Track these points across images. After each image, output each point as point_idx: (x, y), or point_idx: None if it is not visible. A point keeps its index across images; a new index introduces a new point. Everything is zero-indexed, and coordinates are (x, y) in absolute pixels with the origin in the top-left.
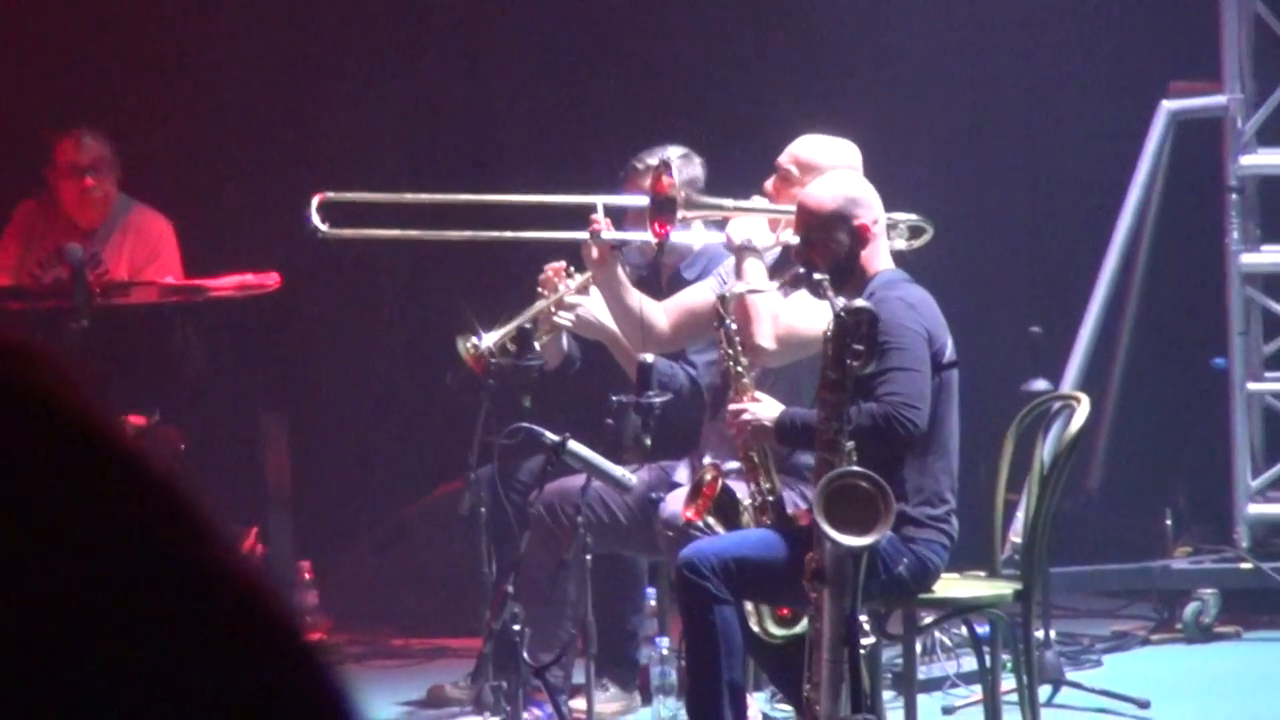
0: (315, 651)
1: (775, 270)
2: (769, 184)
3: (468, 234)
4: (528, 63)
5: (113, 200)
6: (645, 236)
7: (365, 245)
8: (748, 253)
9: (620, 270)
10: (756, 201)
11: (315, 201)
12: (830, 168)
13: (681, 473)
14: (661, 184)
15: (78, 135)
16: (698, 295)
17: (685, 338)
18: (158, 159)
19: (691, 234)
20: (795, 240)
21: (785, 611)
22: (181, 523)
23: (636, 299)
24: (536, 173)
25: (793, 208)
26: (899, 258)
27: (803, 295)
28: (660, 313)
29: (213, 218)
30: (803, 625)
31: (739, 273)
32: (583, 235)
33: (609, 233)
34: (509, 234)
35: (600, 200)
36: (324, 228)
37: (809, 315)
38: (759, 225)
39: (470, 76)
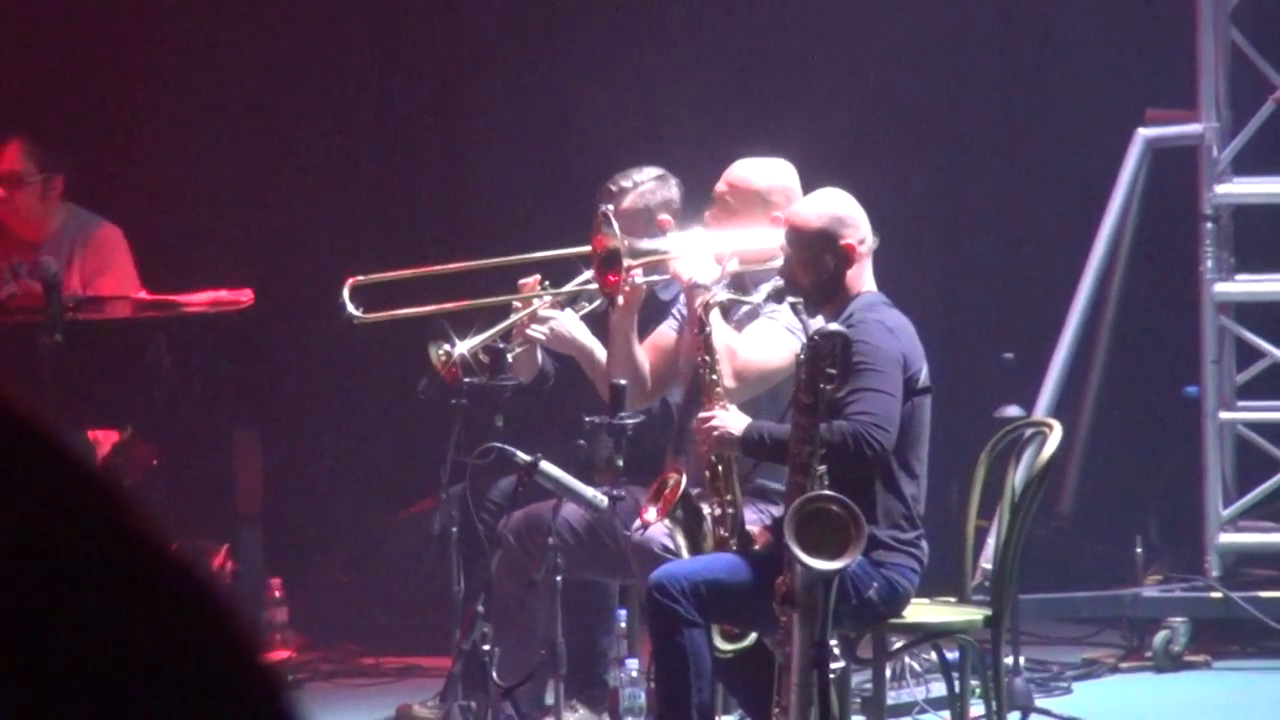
0: (272, 675)
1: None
2: (708, 213)
3: (499, 299)
4: (501, 83)
5: (39, 213)
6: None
7: (339, 261)
8: (697, 290)
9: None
10: (698, 235)
11: (347, 289)
12: (766, 189)
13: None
14: (602, 237)
15: None
16: (662, 338)
17: (664, 384)
18: (132, 174)
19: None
20: (742, 269)
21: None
22: (140, 539)
23: (640, 350)
24: (512, 197)
25: (734, 236)
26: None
27: (757, 328)
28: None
29: (186, 233)
30: (750, 639)
31: (689, 310)
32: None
33: (640, 276)
34: (539, 293)
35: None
36: (358, 313)
37: (765, 348)
38: (705, 260)
39: (440, 79)
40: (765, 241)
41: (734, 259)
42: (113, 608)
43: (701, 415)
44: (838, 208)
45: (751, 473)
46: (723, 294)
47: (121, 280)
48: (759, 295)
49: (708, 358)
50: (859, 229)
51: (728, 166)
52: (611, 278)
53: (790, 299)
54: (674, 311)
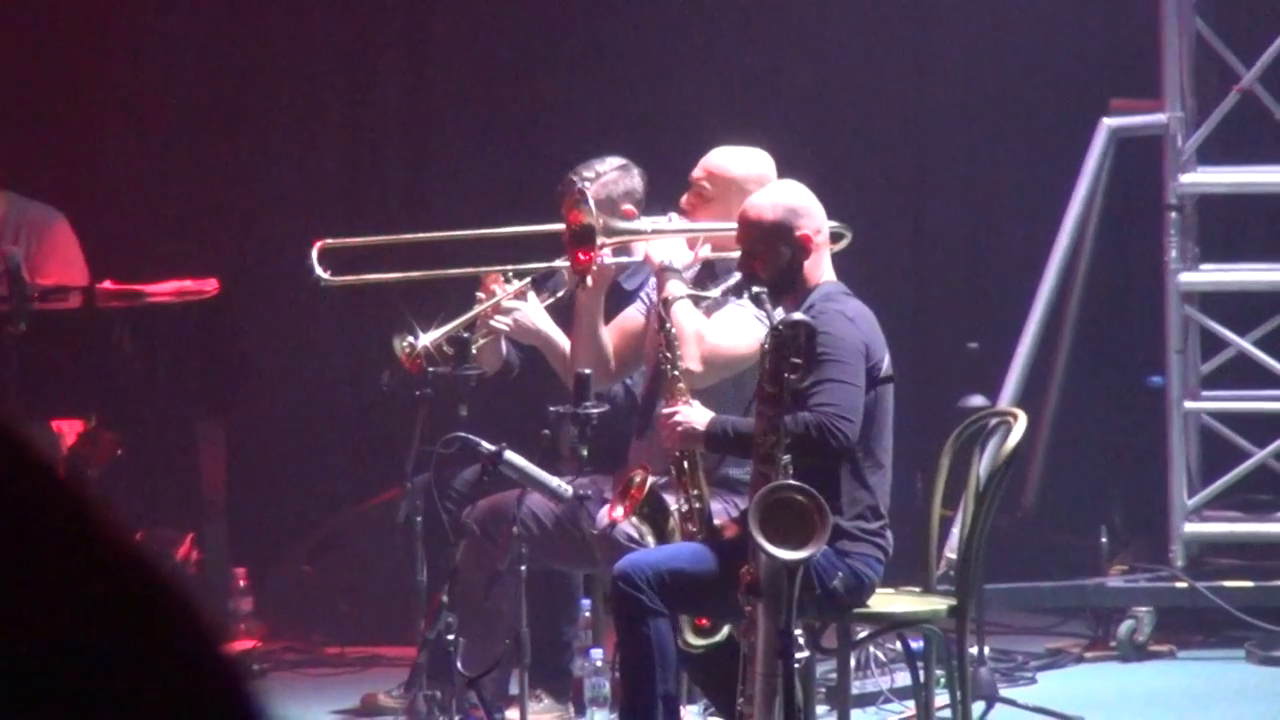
0: (235, 665)
1: (696, 287)
2: (684, 200)
3: (464, 270)
4: (469, 69)
5: None
6: (635, 258)
7: (304, 251)
8: (669, 274)
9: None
10: (673, 220)
11: (315, 251)
12: (743, 178)
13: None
14: (577, 214)
15: None
16: (629, 320)
17: (628, 366)
18: (96, 165)
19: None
20: (714, 255)
21: (703, 621)
22: (102, 529)
23: (605, 331)
24: (479, 189)
25: (708, 224)
26: (835, 268)
27: (726, 314)
28: (609, 343)
29: (151, 223)
30: (722, 634)
31: (659, 294)
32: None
33: (609, 258)
34: (500, 267)
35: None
36: (326, 276)
37: (733, 334)
38: (677, 245)
39: (411, 76)
40: None
41: (706, 245)
42: (75, 599)
43: (665, 410)
44: (792, 199)
45: (718, 464)
46: (683, 288)
47: (65, 268)
48: (717, 290)
49: (668, 353)
50: (814, 219)
51: (696, 158)
52: (583, 255)
53: (755, 288)
54: (642, 294)
